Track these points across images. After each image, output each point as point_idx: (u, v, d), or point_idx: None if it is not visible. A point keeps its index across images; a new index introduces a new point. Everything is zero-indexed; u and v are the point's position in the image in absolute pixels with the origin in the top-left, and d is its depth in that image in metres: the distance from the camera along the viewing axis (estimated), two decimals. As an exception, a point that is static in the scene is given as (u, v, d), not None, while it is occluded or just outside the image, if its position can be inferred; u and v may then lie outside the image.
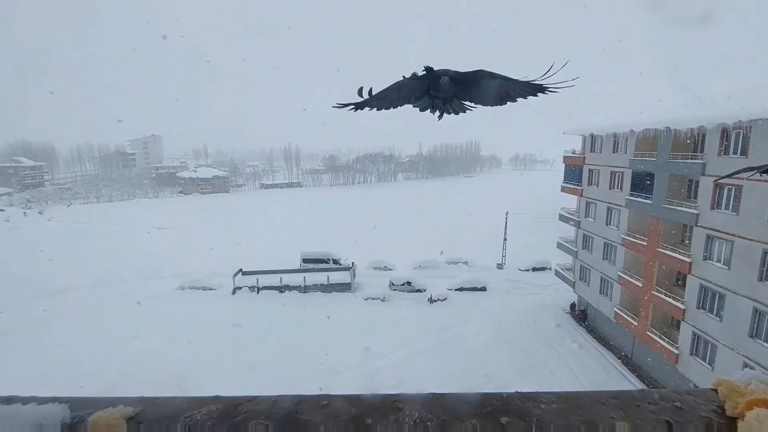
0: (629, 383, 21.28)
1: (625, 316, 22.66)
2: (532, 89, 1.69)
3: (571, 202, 30.05)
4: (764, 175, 2.55)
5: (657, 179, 20.32)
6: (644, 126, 20.62)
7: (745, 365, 15.45)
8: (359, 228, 53.54)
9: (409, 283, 34.33)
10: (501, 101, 1.74)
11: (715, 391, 0.81)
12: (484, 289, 34.25)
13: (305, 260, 38.95)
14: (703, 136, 18.01)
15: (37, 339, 25.88)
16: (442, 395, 0.83)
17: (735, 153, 16.37)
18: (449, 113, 1.88)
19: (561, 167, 30.77)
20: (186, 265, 39.20)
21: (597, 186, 25.78)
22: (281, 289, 34.54)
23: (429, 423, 0.75)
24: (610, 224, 24.50)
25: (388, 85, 1.72)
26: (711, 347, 17.41)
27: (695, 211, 17.84)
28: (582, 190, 27.33)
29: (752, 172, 2.57)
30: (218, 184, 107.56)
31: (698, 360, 18.05)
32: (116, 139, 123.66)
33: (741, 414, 0.73)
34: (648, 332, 20.80)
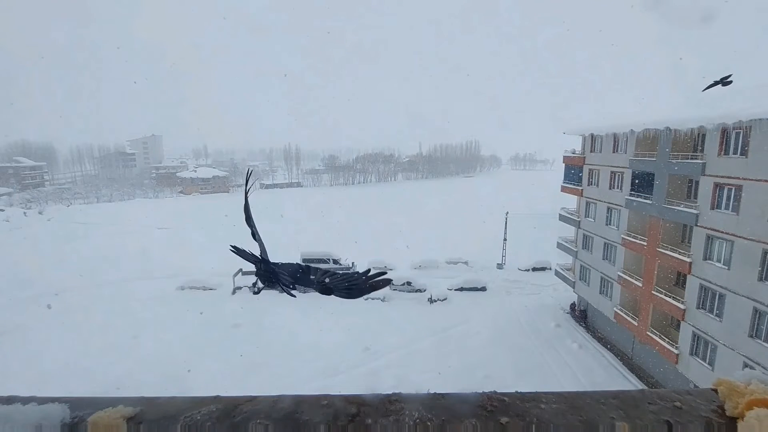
0: (629, 383, 21.27)
1: (625, 316, 22.65)
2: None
3: (571, 202, 30.05)
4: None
5: (657, 179, 20.31)
6: (644, 126, 20.61)
7: (745, 365, 15.45)
8: (359, 228, 53.50)
9: (409, 283, 34.30)
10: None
11: (715, 391, 0.81)
12: (484, 289, 34.24)
13: (305, 260, 38.91)
14: (703, 136, 18.00)
15: (37, 339, 25.85)
16: (442, 395, 0.83)
17: (735, 153, 16.36)
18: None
19: (561, 167, 30.76)
20: (186, 265, 39.17)
21: (597, 186, 25.76)
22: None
23: (429, 423, 0.75)
24: (610, 224, 24.48)
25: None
26: (711, 347, 17.40)
27: (695, 211, 17.83)
28: (582, 190, 27.30)
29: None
30: (218, 184, 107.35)
31: (698, 360, 18.04)
32: (116, 139, 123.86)
33: (741, 414, 0.73)
34: (648, 332, 20.79)
